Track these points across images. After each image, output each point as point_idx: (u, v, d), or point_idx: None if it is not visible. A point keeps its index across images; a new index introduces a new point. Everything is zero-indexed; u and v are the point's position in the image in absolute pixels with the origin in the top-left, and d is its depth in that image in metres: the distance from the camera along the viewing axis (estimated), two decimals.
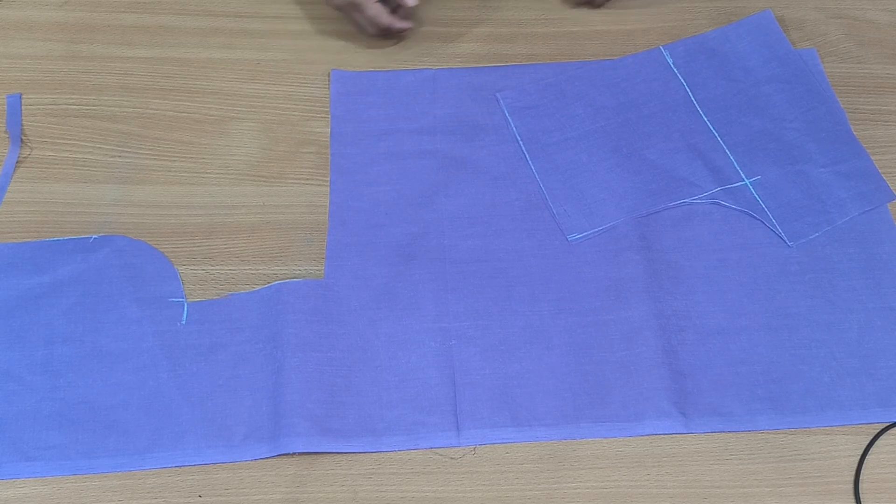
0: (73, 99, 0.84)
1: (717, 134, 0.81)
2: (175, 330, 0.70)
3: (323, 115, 0.84)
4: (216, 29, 0.89)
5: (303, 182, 0.79)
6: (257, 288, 0.72)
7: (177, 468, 0.65)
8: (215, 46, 0.88)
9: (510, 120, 0.82)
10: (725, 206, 0.77)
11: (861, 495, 0.63)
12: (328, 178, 0.79)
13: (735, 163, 0.79)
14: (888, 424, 0.66)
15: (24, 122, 0.82)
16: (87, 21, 0.90)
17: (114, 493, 0.64)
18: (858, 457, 0.65)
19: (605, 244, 0.75)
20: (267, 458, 0.65)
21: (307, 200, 0.78)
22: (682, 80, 0.84)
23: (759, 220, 0.76)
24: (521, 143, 0.81)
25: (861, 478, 0.64)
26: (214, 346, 0.70)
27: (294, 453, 0.65)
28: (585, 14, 0.91)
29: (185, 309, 0.71)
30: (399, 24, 0.86)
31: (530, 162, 0.80)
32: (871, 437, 0.66)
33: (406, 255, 0.74)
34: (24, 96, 0.84)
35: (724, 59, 0.86)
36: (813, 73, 0.85)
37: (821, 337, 0.70)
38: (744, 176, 0.78)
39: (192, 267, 0.74)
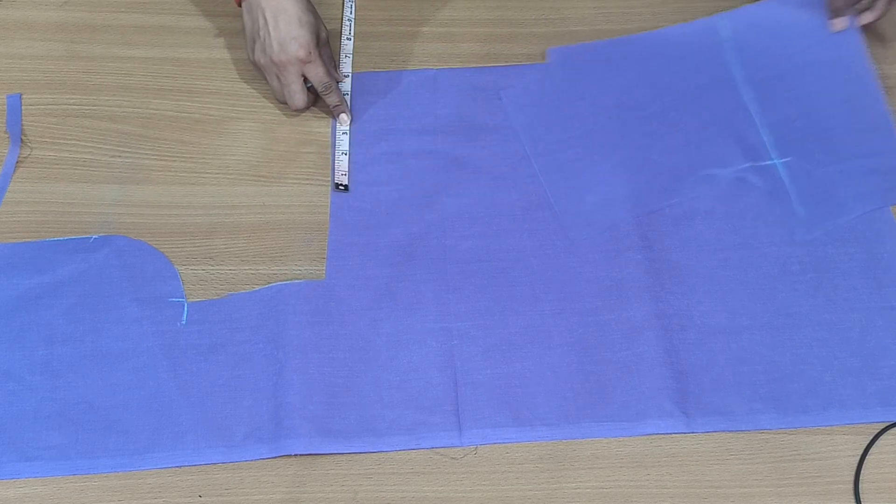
0: (73, 99, 0.84)
1: (753, 112, 0.81)
2: (175, 330, 0.70)
3: (323, 115, 0.84)
4: (216, 29, 0.89)
5: (303, 182, 0.79)
6: (257, 288, 0.72)
7: (177, 468, 0.65)
8: (215, 46, 0.88)
9: (512, 118, 0.82)
10: (733, 197, 0.76)
11: (861, 495, 0.63)
12: (328, 178, 0.79)
13: (767, 142, 0.79)
14: (888, 424, 0.66)
15: (24, 122, 0.82)
16: (87, 21, 0.90)
17: (114, 493, 0.64)
18: (858, 457, 0.65)
19: (606, 244, 0.75)
20: (267, 458, 0.65)
21: (307, 200, 0.78)
22: (727, 57, 0.85)
23: (780, 200, 0.76)
24: (523, 140, 0.81)
25: (861, 478, 0.64)
26: (214, 346, 0.70)
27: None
28: (585, 14, 0.91)
29: (185, 309, 0.71)
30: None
31: (532, 159, 0.80)
32: (872, 437, 0.66)
33: (407, 255, 0.74)
34: (24, 96, 0.84)
35: (773, 38, 0.86)
36: (858, 62, 0.84)
37: (822, 336, 0.70)
38: (774, 156, 0.79)
39: (192, 267, 0.74)
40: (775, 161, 0.78)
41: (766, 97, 0.82)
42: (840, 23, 0.82)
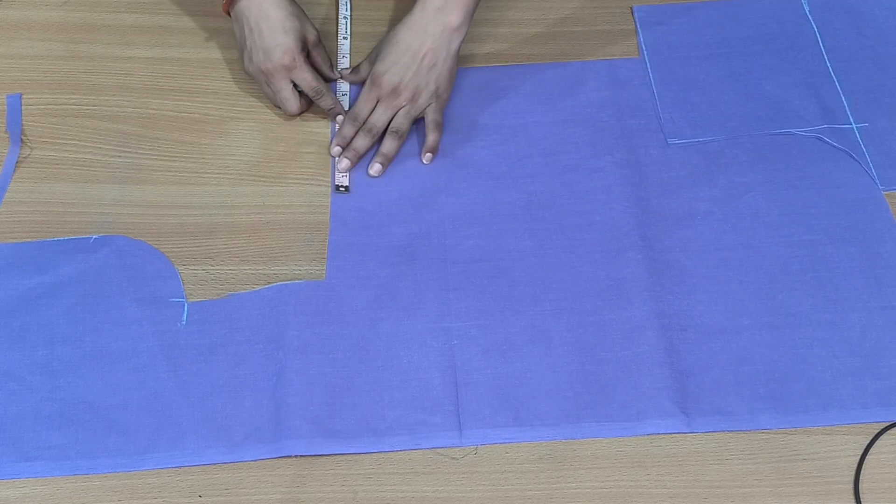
0: (73, 99, 0.84)
1: (836, 79, 0.85)
2: (175, 330, 0.70)
3: (323, 115, 0.84)
4: (216, 29, 0.89)
5: (303, 182, 0.79)
6: (257, 288, 0.72)
7: (177, 468, 0.65)
8: (215, 46, 0.88)
9: (639, 31, 0.88)
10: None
11: (861, 495, 0.63)
12: (328, 178, 0.79)
13: (847, 106, 0.83)
14: (888, 424, 0.66)
15: (24, 122, 0.82)
16: (87, 21, 0.90)
17: (114, 493, 0.64)
18: (858, 457, 0.65)
19: (606, 244, 0.75)
20: (267, 458, 0.65)
21: (307, 200, 0.78)
22: (815, 27, 0.88)
23: (856, 160, 0.79)
24: (645, 52, 0.86)
25: (861, 478, 0.64)
26: (214, 346, 0.70)
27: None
28: (585, 14, 0.91)
29: (185, 309, 0.71)
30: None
31: (650, 70, 0.85)
32: (872, 437, 0.66)
33: (407, 255, 0.74)
34: (24, 96, 0.84)
35: (858, 16, 0.90)
36: None
37: (822, 336, 0.70)
38: (852, 120, 0.82)
39: (192, 267, 0.74)
40: (853, 125, 0.81)
41: (846, 68, 0.86)
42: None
